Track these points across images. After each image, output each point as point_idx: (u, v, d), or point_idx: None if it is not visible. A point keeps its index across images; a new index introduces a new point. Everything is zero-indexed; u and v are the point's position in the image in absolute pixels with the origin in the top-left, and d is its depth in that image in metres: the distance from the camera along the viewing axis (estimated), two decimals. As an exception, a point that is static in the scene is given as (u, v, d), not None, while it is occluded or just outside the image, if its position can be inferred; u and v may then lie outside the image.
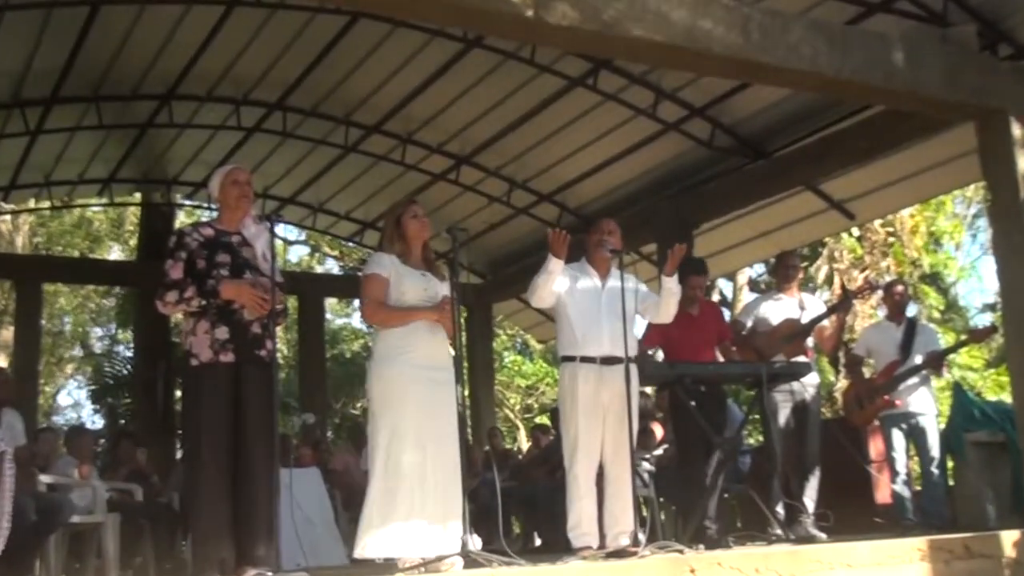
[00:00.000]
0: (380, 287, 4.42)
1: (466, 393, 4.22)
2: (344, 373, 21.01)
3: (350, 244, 15.56)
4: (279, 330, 4.27)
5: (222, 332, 4.07)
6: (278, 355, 4.28)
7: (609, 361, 4.97)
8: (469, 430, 11.59)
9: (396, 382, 4.30)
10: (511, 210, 11.15)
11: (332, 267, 22.79)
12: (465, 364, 9.48)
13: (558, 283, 5.05)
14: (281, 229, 3.91)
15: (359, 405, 21.16)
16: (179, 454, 11.46)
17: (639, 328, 5.62)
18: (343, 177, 11.31)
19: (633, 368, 4.96)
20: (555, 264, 4.89)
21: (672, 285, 5.12)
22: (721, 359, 6.32)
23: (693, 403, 5.62)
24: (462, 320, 4.51)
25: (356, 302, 21.87)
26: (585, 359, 5.00)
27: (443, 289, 4.46)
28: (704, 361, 6.05)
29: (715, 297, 17.16)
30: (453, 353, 4.36)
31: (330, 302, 21.34)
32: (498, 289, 12.43)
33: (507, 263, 12.01)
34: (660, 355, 6.27)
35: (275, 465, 3.99)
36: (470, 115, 9.68)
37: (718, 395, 6.09)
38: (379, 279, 4.43)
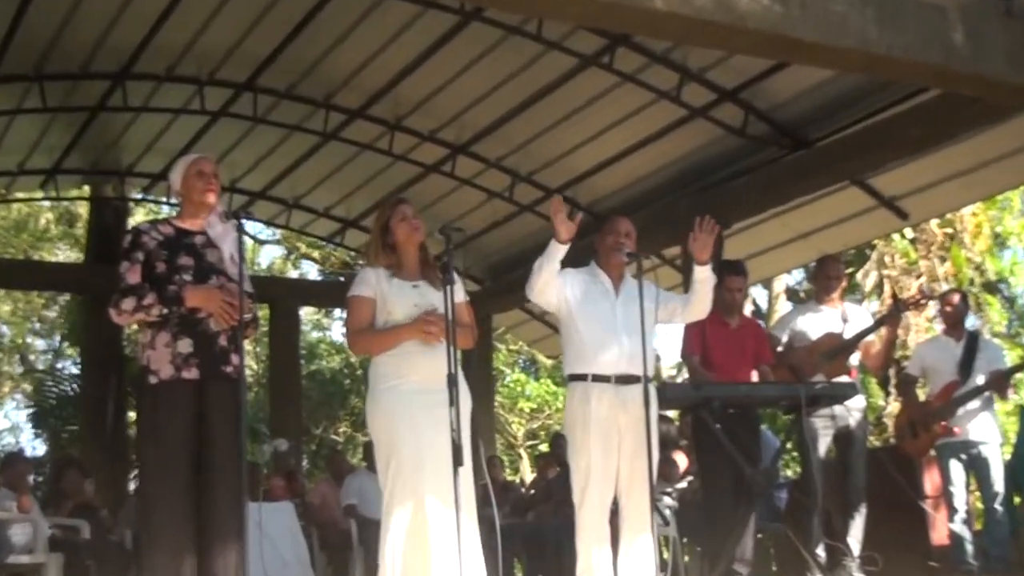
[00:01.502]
0: (364, 311, 4.43)
1: (461, 417, 4.18)
2: (322, 393, 21.01)
3: (330, 245, 15.57)
4: (247, 343, 4.27)
5: (185, 345, 4.09)
6: (246, 371, 4.29)
7: (625, 380, 4.96)
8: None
9: (389, 414, 4.32)
10: (514, 207, 11.16)
11: (309, 271, 22.83)
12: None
13: (568, 288, 5.04)
14: (251, 228, 3.92)
15: (341, 430, 21.16)
16: (132, 485, 11.48)
17: (658, 342, 5.61)
18: (322, 168, 11.32)
19: (653, 389, 4.96)
20: (556, 249, 4.87)
21: (706, 274, 5.10)
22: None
23: (720, 428, 5.62)
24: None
25: (336, 312, 21.98)
26: (598, 378, 4.99)
27: (441, 298, 4.42)
28: (736, 382, 6.05)
29: (747, 308, 17.14)
30: (449, 371, 4.29)
31: (307, 311, 21.33)
32: (498, 297, 12.43)
33: (509, 268, 12.02)
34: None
35: (243, 498, 4.00)
36: (468, 98, 9.70)
37: (750, 420, 6.10)
38: (362, 302, 4.43)
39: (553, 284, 4.98)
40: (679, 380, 18.54)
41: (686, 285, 5.33)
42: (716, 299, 5.52)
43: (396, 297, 4.43)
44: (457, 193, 11.16)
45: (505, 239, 11.77)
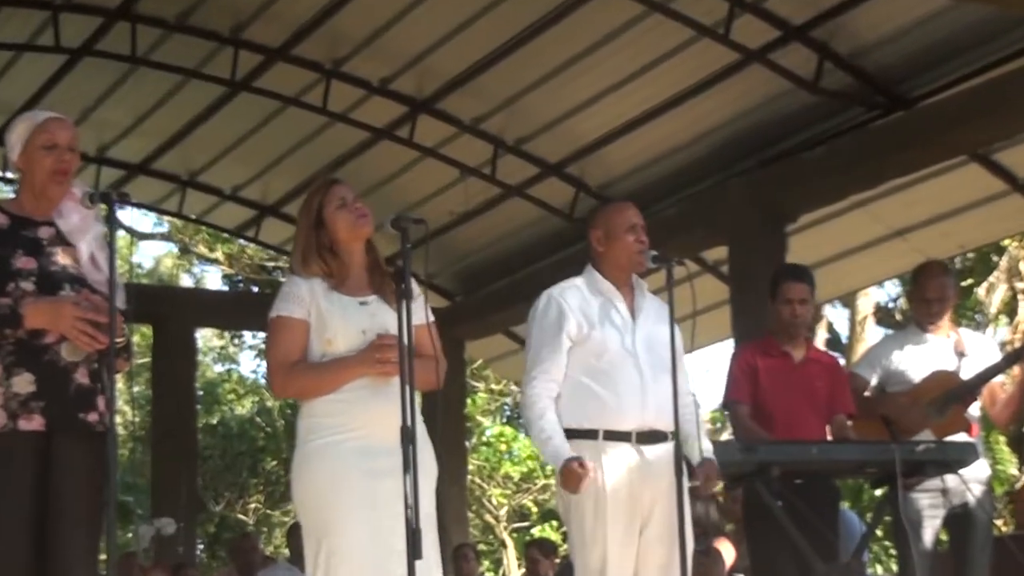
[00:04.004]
0: (295, 338, 4.41)
1: (423, 488, 4.16)
2: (227, 452, 20.99)
3: (239, 240, 15.55)
4: (119, 380, 4.24)
5: (23, 382, 4.05)
6: (117, 421, 4.25)
7: (650, 438, 4.95)
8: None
9: (322, 482, 4.32)
10: (496, 188, 11.17)
11: (210, 278, 22.84)
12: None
13: (567, 321, 5.04)
14: (126, 216, 3.87)
15: (251, 505, 21.13)
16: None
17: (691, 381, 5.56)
18: (229, 132, 11.32)
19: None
20: (559, 459, 4.92)
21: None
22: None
23: (782, 506, 5.61)
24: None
25: (247, 336, 21.91)
26: (612, 435, 4.96)
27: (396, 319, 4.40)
28: (804, 440, 6.04)
29: (821, 337, 17.15)
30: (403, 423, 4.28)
31: (206, 336, 21.31)
32: (474, 317, 12.44)
33: (489, 275, 12.04)
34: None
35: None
36: (433, 35, 9.71)
37: (825, 496, 6.10)
38: (291, 325, 4.41)
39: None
40: (724, 437, 18.59)
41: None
42: (772, 319, 5.49)
43: (338, 319, 4.40)
44: (418, 168, 11.18)
45: (484, 234, 11.79)
